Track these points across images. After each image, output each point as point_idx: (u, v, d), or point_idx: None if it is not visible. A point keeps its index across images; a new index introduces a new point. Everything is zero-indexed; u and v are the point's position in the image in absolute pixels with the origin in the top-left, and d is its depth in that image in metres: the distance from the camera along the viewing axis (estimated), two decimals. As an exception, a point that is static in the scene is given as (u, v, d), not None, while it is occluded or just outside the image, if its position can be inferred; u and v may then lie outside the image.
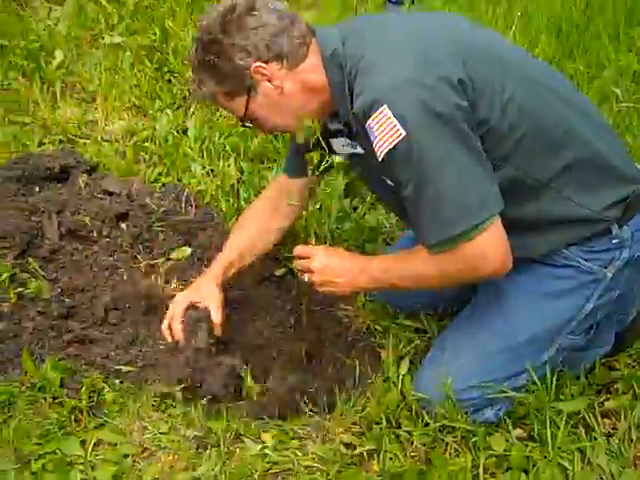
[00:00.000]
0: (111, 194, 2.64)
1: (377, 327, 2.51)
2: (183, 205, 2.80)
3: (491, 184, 1.90)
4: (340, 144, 2.12)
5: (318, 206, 2.83)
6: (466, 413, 2.11)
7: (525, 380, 2.14)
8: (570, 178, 2.01)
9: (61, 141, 3.20)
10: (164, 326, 2.28)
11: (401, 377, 2.28)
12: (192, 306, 2.25)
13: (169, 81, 3.62)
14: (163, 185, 2.97)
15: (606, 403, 2.26)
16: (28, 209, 2.44)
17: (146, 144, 3.22)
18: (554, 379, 2.14)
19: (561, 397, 2.19)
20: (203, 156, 3.14)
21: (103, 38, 3.85)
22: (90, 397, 2.11)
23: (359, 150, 2.08)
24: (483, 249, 1.90)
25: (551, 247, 2.08)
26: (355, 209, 2.98)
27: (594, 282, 2.09)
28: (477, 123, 1.90)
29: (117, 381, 2.19)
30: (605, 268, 2.08)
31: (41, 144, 3.17)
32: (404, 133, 1.82)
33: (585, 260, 2.07)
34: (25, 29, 3.83)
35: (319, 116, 2.06)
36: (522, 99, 1.96)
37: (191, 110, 3.44)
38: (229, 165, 3.04)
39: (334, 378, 2.30)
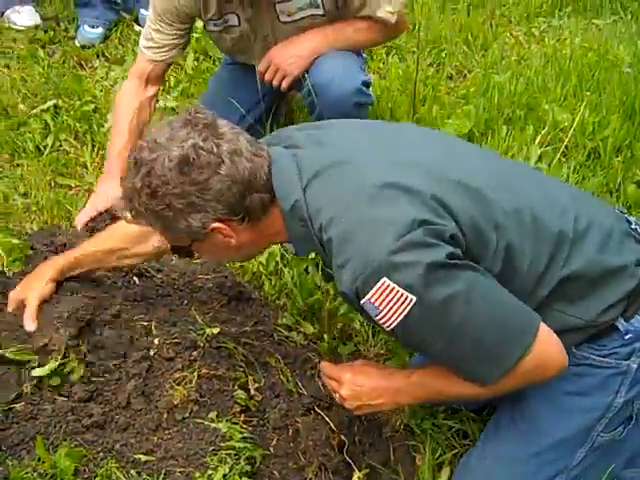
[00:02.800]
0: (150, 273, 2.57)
1: (413, 427, 2.35)
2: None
3: (514, 297, 1.79)
4: None
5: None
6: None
7: None
8: (561, 294, 1.88)
9: (105, 210, 3.15)
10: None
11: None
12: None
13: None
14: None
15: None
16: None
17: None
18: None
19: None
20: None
21: (157, 101, 3.81)
22: (104, 488, 2.00)
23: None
24: (542, 356, 1.79)
25: None
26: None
27: (619, 375, 1.94)
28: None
29: (134, 471, 2.07)
30: (627, 360, 1.93)
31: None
32: (415, 298, 1.68)
33: (600, 357, 1.94)
34: (81, 90, 3.83)
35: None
36: (513, 240, 1.83)
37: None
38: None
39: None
